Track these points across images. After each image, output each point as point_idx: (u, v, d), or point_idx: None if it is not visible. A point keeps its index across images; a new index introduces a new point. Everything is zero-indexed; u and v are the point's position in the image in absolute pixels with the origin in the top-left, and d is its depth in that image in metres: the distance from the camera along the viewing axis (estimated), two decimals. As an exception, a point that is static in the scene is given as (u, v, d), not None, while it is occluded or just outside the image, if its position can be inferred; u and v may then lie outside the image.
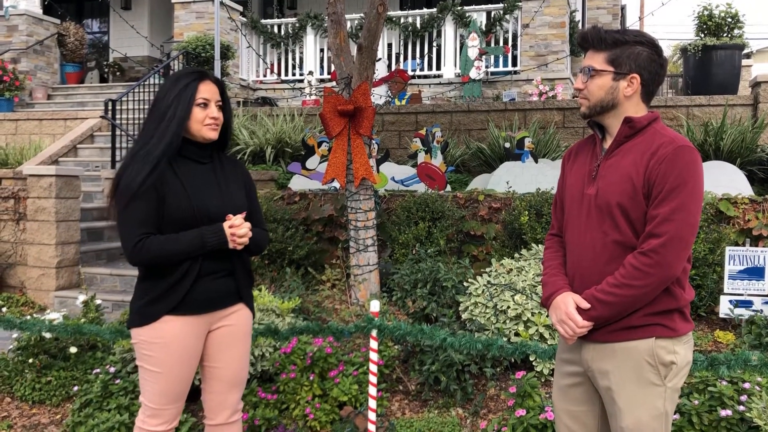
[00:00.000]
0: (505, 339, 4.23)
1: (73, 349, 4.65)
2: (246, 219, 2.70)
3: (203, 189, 2.64)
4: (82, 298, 5.02)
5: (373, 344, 3.69)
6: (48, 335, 4.55)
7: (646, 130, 2.23)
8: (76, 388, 4.37)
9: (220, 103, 2.70)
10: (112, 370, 4.27)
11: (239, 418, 2.88)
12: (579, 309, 2.21)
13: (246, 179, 2.84)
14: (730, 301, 4.88)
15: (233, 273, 2.69)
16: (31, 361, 4.66)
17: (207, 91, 2.65)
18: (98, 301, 5.04)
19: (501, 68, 11.89)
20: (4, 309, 6.54)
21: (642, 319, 2.18)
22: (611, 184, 2.20)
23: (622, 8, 16.54)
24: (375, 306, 3.71)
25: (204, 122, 2.63)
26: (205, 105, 2.64)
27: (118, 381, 4.17)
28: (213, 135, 2.66)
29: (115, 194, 2.55)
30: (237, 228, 2.56)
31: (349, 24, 12.01)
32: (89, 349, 4.80)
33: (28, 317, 4.68)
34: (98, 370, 4.35)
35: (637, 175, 2.16)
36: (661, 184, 2.12)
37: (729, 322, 5.02)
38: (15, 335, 4.83)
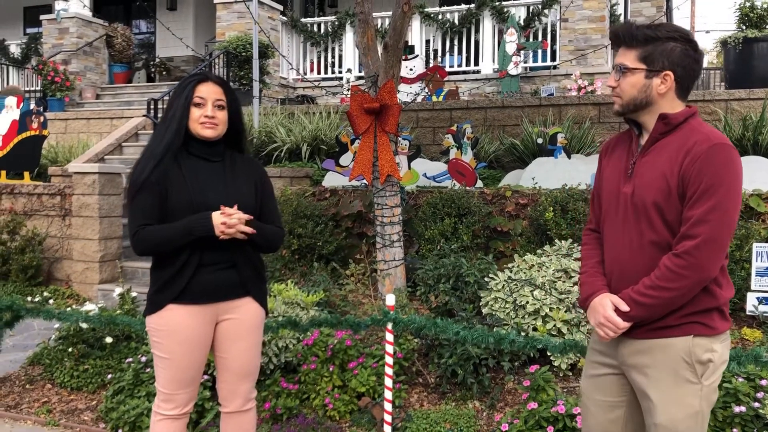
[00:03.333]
0: (523, 334, 4.28)
1: (108, 339, 4.87)
2: (258, 216, 2.82)
3: (206, 184, 2.76)
4: (118, 290, 5.24)
5: (389, 337, 3.80)
6: (85, 326, 4.77)
7: (682, 127, 2.20)
8: (110, 376, 4.58)
9: (221, 103, 2.79)
10: (143, 359, 4.46)
11: (252, 407, 2.99)
12: (617, 310, 2.20)
13: (260, 178, 2.93)
14: (757, 299, 4.82)
15: (235, 265, 2.79)
16: (70, 350, 4.90)
17: (204, 91, 2.76)
18: (134, 294, 5.25)
19: (540, 63, 11.84)
20: (51, 301, 6.85)
21: (681, 319, 2.16)
22: (647, 183, 2.19)
23: (668, 0, 16.22)
24: (391, 300, 3.81)
25: (199, 120, 2.74)
26: (201, 104, 2.75)
27: (148, 370, 4.37)
28: (208, 133, 2.76)
29: (128, 190, 2.76)
30: (228, 217, 2.64)
31: (382, 22, 12.10)
32: (124, 339, 5.02)
33: (69, 309, 4.92)
34: (131, 360, 4.56)
35: (672, 175, 2.13)
36: (696, 183, 2.08)
37: (756, 320, 4.96)
38: (56, 326, 5.09)
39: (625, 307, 2.17)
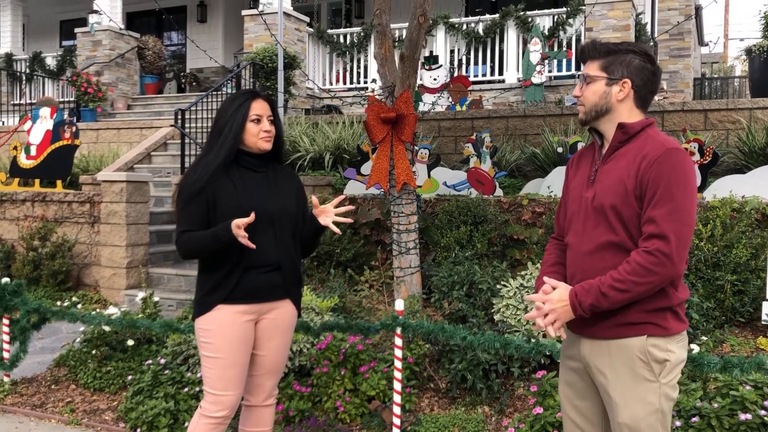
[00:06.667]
0: (533, 340, 4.32)
1: (130, 342, 5.03)
2: (299, 222, 3.05)
3: (253, 191, 2.99)
4: (141, 295, 5.39)
5: (398, 341, 3.88)
6: (107, 329, 4.94)
7: (640, 135, 2.33)
8: (130, 377, 4.73)
9: (272, 118, 3.04)
10: (162, 361, 4.61)
11: (273, 402, 3.20)
12: (580, 298, 2.24)
13: (298, 189, 3.16)
14: (772, 307, 4.80)
15: (279, 268, 2.98)
16: (94, 352, 5.08)
17: (259, 108, 3.00)
18: (156, 299, 5.40)
19: (564, 72, 11.84)
20: (79, 306, 7.05)
21: (635, 317, 2.26)
22: (606, 187, 2.31)
23: (697, 9, 16.10)
24: (400, 305, 3.90)
25: (259, 135, 2.99)
26: (258, 120, 2.98)
27: (167, 372, 4.51)
28: (267, 146, 3.02)
29: (178, 197, 2.97)
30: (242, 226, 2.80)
31: (400, 33, 12.18)
32: (146, 342, 5.17)
33: (93, 312, 5.09)
34: (150, 362, 4.70)
35: (629, 178, 2.26)
36: (654, 186, 2.21)
37: (773, 329, 4.93)
38: (81, 329, 5.27)
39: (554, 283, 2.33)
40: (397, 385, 3.87)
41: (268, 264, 2.95)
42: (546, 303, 2.31)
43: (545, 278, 2.39)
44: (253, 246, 2.80)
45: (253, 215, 2.80)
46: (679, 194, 2.19)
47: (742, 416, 3.46)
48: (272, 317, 3.02)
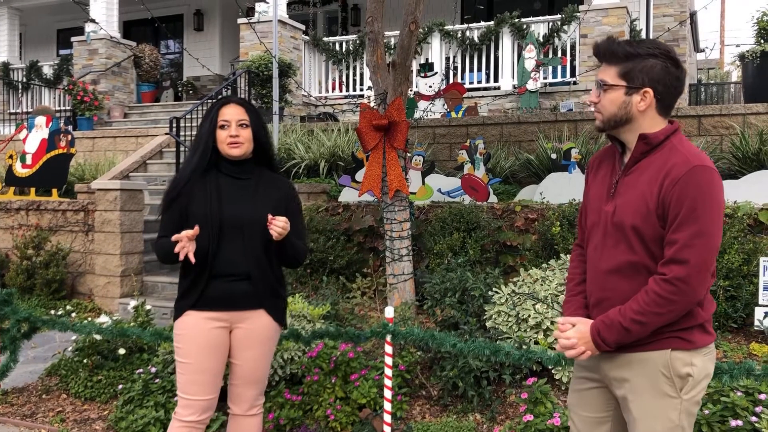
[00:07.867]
0: (524, 347, 4.31)
1: (121, 351, 5.01)
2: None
3: (225, 200, 2.96)
4: (133, 303, 5.38)
5: (388, 349, 3.86)
6: (99, 337, 4.92)
7: (664, 145, 2.18)
8: (121, 386, 4.71)
9: (244, 122, 2.98)
10: (153, 370, 4.59)
11: (258, 413, 3.16)
12: (603, 336, 2.16)
13: (285, 196, 3.08)
14: (765, 313, 4.79)
15: (249, 278, 2.95)
16: (85, 361, 5.05)
17: (227, 113, 2.97)
18: (148, 307, 5.38)
19: (559, 79, 11.85)
20: (73, 314, 7.03)
21: (658, 334, 2.16)
22: (627, 204, 2.18)
23: (692, 15, 16.12)
24: (389, 312, 3.88)
25: (226, 141, 2.95)
26: (227, 126, 2.95)
27: (157, 380, 4.49)
28: (235, 152, 2.96)
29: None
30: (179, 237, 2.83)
31: (394, 41, 12.20)
32: (137, 351, 5.15)
33: (84, 321, 5.07)
34: (141, 371, 4.68)
35: (651, 196, 2.12)
36: (677, 207, 2.07)
37: (764, 334, 4.92)
38: (74, 338, 5.25)
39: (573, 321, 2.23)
40: (388, 393, 3.85)
41: (235, 273, 2.93)
42: (569, 339, 2.21)
43: (560, 320, 2.29)
44: (183, 259, 2.81)
45: (197, 228, 2.80)
46: (704, 216, 2.05)
47: (733, 422, 3.45)
48: (246, 327, 2.99)
